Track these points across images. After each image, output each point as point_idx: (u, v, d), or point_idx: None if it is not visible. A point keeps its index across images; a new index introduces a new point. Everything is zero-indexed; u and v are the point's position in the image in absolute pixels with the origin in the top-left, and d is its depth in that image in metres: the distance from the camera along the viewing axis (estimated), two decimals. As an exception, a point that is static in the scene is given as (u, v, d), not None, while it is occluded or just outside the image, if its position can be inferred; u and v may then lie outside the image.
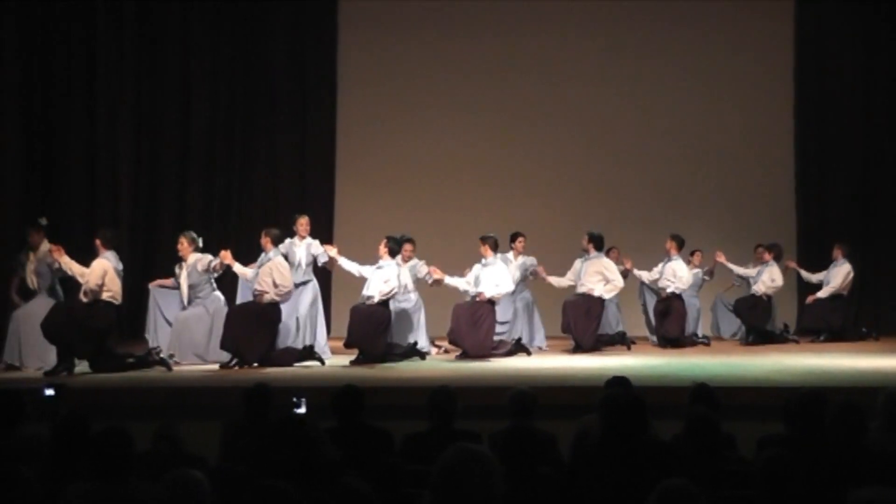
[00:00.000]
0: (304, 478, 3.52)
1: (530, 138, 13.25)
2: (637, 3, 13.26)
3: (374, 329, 9.61)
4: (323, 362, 9.43)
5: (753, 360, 9.91)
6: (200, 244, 9.85)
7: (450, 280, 10.41)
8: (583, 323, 10.67)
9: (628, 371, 6.69)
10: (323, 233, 11.16)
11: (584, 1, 13.35)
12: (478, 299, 10.07)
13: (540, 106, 13.25)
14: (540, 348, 11.08)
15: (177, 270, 9.89)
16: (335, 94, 13.42)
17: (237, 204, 13.16)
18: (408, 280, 10.10)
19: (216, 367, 9.29)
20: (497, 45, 13.28)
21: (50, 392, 5.95)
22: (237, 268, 9.79)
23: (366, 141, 13.33)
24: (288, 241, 10.14)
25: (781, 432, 4.90)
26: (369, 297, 9.67)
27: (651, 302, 11.59)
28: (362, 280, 9.94)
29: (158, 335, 9.81)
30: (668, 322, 11.24)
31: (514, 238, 11.27)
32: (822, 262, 12.34)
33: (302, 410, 5.62)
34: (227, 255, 9.70)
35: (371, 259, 10.05)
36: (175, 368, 9.15)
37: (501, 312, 10.58)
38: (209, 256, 9.77)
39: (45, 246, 9.34)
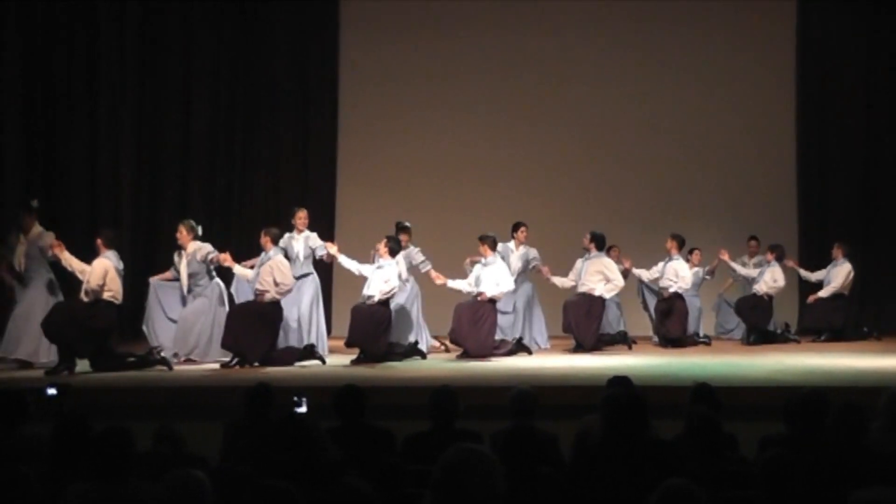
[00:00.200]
0: (306, 478, 3.52)
1: (530, 138, 13.25)
2: (637, 3, 13.25)
3: (374, 329, 9.61)
4: (324, 361, 9.44)
5: (754, 359, 9.91)
6: (199, 232, 9.82)
7: (452, 283, 10.40)
8: (584, 323, 10.67)
9: (629, 371, 6.70)
10: (324, 232, 11.15)
11: (584, 1, 13.35)
12: (479, 299, 10.08)
13: (540, 106, 13.24)
14: (539, 346, 11.06)
15: (176, 259, 9.85)
16: (336, 94, 13.42)
17: (238, 204, 13.17)
18: (402, 269, 10.10)
19: (217, 366, 9.30)
20: (497, 45, 13.27)
21: (52, 391, 5.94)
22: (237, 269, 9.79)
23: (367, 141, 13.33)
24: (287, 234, 10.14)
25: (783, 432, 4.89)
26: (370, 297, 9.68)
27: (651, 301, 11.59)
28: (363, 279, 9.94)
29: (156, 330, 9.79)
30: (671, 322, 11.24)
31: (516, 228, 11.23)
32: (822, 262, 12.34)
33: (303, 410, 5.60)
34: (227, 258, 9.71)
35: (372, 259, 10.08)
36: (176, 368, 9.14)
37: (503, 303, 10.55)
38: (209, 246, 9.75)
39: (38, 229, 9.33)
